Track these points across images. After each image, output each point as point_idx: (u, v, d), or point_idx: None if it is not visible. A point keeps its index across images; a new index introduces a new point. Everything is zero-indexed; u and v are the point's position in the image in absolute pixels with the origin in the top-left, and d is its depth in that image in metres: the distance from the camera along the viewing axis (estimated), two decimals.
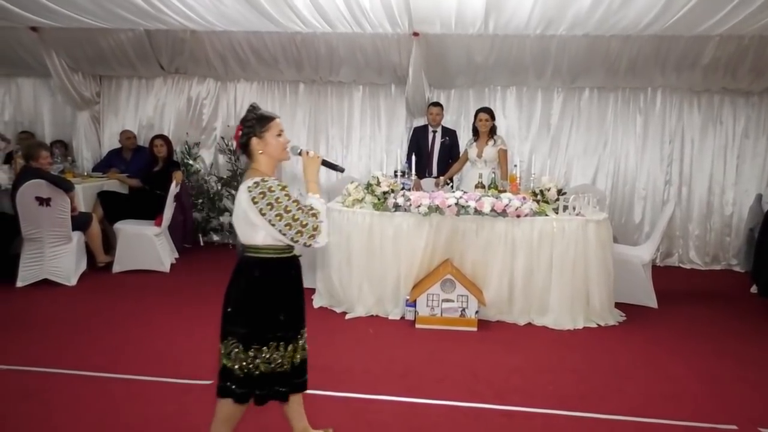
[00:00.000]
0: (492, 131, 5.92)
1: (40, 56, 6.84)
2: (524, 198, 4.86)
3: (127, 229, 5.99)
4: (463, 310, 4.63)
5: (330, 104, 7.37)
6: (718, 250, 6.93)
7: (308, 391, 3.49)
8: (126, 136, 7.14)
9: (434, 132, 6.54)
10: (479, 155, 5.89)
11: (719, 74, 6.34)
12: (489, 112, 5.91)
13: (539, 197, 5.10)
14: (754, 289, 5.71)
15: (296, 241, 2.40)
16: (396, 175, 5.36)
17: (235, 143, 2.56)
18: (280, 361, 2.50)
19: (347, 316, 4.86)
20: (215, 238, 7.49)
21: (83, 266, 5.72)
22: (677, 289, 5.89)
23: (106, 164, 7.12)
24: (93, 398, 3.39)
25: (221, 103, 7.50)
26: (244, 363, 2.46)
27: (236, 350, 2.47)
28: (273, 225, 2.37)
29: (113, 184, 6.69)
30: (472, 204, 4.75)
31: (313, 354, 4.05)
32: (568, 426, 3.23)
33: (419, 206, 4.77)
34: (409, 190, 5.26)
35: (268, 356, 2.47)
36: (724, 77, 6.38)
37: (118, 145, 7.30)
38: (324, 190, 7.28)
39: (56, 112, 7.87)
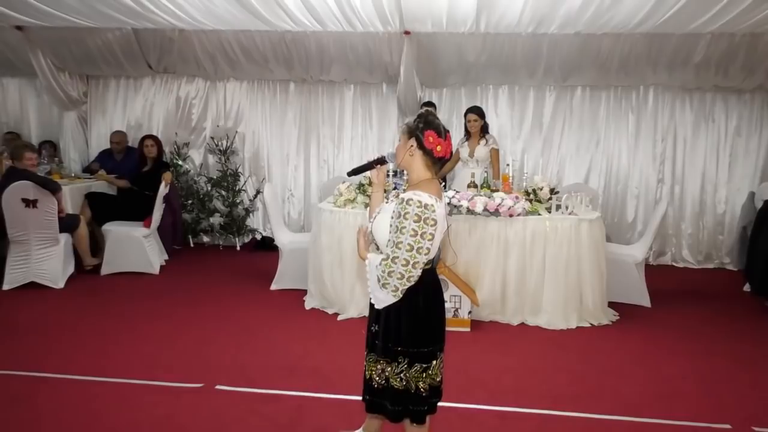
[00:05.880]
0: (483, 130, 5.90)
1: (25, 56, 6.75)
2: (517, 197, 4.83)
3: (115, 231, 5.92)
4: (456, 310, 4.60)
5: (321, 103, 7.32)
6: (711, 249, 6.94)
7: (299, 393, 3.48)
8: (115, 140, 7.00)
9: None
10: (471, 155, 5.87)
11: (711, 72, 6.34)
12: (477, 111, 5.89)
13: (532, 196, 5.08)
14: (747, 287, 5.71)
15: (383, 278, 2.27)
16: (388, 175, 5.32)
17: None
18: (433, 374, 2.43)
19: (339, 317, 4.82)
20: (205, 239, 7.43)
21: (71, 269, 5.64)
22: (670, 288, 5.88)
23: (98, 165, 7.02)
24: (81, 402, 3.33)
25: (210, 102, 7.42)
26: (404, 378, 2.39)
27: (404, 368, 2.38)
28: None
29: (101, 185, 6.60)
30: (465, 203, 4.72)
31: (306, 355, 4.04)
32: (562, 426, 3.20)
33: None
34: (403, 190, 5.21)
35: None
36: (716, 75, 6.38)
37: (108, 146, 7.20)
38: (317, 189, 7.25)
39: (42, 113, 7.77)
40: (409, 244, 2.20)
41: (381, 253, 2.38)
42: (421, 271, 2.26)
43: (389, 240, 2.27)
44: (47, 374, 3.66)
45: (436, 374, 2.44)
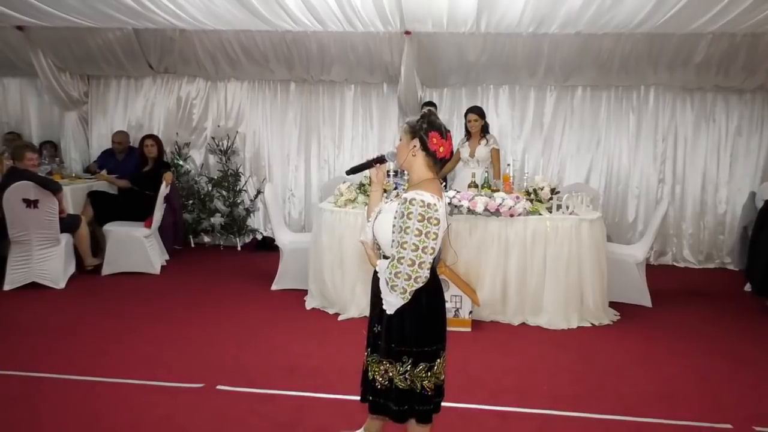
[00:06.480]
0: (484, 130, 5.91)
1: (26, 56, 6.75)
2: (517, 197, 4.83)
3: (116, 231, 5.92)
4: (457, 310, 4.59)
5: (321, 103, 7.31)
6: (712, 249, 6.93)
7: (299, 393, 3.47)
8: (117, 140, 6.98)
9: None
10: (471, 155, 5.87)
11: (712, 72, 6.34)
12: (478, 111, 5.90)
13: (532, 196, 5.08)
14: (747, 287, 5.70)
15: (390, 279, 2.26)
16: (389, 175, 5.32)
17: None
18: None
19: (340, 317, 4.82)
20: (206, 239, 7.43)
21: (72, 269, 5.64)
22: (671, 288, 5.88)
23: (99, 165, 7.01)
24: (81, 402, 3.33)
25: (211, 102, 7.42)
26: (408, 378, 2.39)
27: (408, 368, 2.38)
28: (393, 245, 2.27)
29: (102, 184, 6.60)
30: (465, 203, 4.72)
31: (306, 355, 4.04)
32: (563, 426, 3.20)
33: None
34: (403, 190, 5.21)
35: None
36: (717, 75, 6.38)
37: (109, 146, 7.19)
38: (317, 189, 7.25)
39: (43, 113, 7.77)
40: (414, 243, 2.19)
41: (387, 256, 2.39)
42: (428, 272, 2.26)
43: (393, 241, 2.27)
44: (47, 374, 3.66)
45: (440, 373, 2.44)
